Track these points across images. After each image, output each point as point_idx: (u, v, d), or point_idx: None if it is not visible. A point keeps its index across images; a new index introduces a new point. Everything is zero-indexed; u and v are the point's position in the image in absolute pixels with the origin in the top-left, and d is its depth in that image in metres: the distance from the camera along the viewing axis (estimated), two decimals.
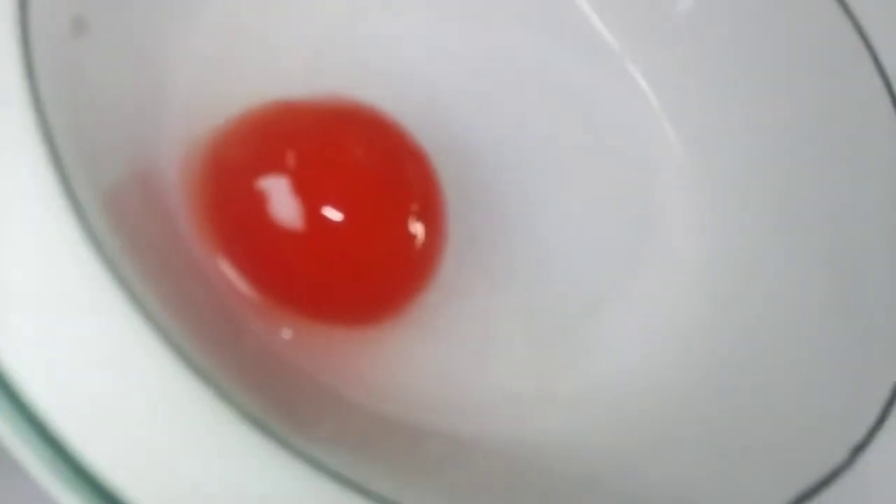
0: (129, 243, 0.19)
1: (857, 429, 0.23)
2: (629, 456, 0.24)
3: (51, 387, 0.16)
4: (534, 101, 0.30)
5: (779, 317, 0.27)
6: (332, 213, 0.23)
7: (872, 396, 0.24)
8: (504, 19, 0.31)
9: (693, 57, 0.30)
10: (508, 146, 0.29)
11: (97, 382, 0.16)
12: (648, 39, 0.31)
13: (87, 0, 0.21)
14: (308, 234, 0.22)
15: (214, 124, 0.24)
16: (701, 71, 0.30)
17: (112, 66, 0.22)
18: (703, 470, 0.24)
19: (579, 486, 0.23)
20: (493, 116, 0.29)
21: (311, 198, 0.22)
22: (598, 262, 0.28)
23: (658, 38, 0.31)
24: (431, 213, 0.24)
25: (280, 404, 0.20)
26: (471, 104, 0.29)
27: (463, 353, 0.25)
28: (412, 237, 0.23)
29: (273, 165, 0.23)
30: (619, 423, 0.25)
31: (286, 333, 0.23)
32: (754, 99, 0.29)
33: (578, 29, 0.31)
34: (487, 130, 0.29)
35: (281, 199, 0.22)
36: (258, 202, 0.22)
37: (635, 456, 0.24)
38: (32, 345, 0.16)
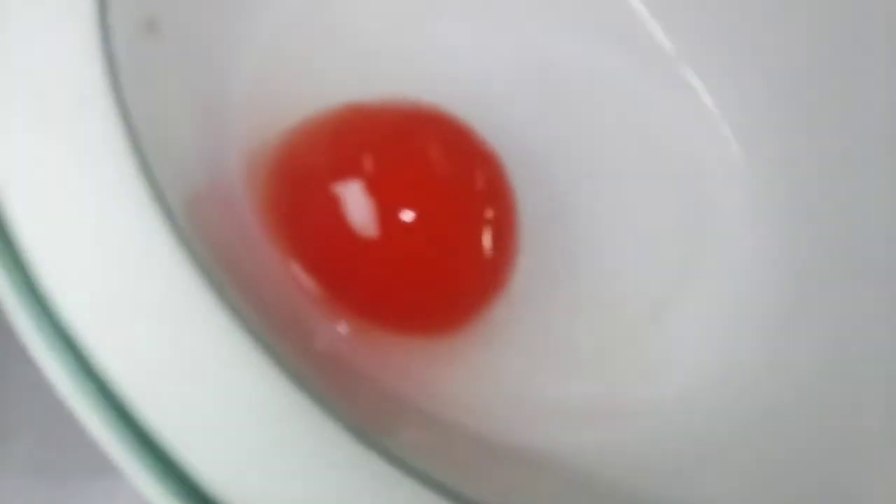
0: (209, 252, 0.18)
1: None
2: (698, 469, 0.24)
3: (146, 387, 0.16)
4: (589, 105, 0.29)
5: (848, 324, 0.26)
6: (407, 219, 0.22)
7: None
8: (557, 22, 0.30)
9: (750, 59, 0.30)
10: (565, 151, 0.28)
11: (193, 381, 0.16)
12: (703, 42, 0.30)
13: (159, 1, 0.21)
14: (381, 241, 0.22)
15: (278, 128, 0.23)
16: (758, 73, 0.30)
17: (179, 70, 0.22)
18: (779, 491, 0.23)
19: (648, 499, 0.23)
20: (548, 121, 0.28)
21: (384, 203, 0.22)
22: (661, 268, 0.28)
23: (713, 41, 0.30)
24: (505, 220, 0.23)
25: (357, 410, 0.20)
26: (525, 109, 0.28)
27: (532, 364, 0.24)
28: (486, 246, 0.23)
29: (346, 169, 0.22)
30: (688, 435, 0.25)
31: (352, 335, 0.22)
32: (813, 100, 0.29)
33: (633, 32, 0.30)
34: (542, 135, 0.28)
35: (354, 203, 0.22)
36: (331, 206, 0.22)
37: (706, 468, 0.24)
38: (130, 346, 0.16)
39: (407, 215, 0.22)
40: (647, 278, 0.27)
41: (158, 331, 0.16)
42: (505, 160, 0.25)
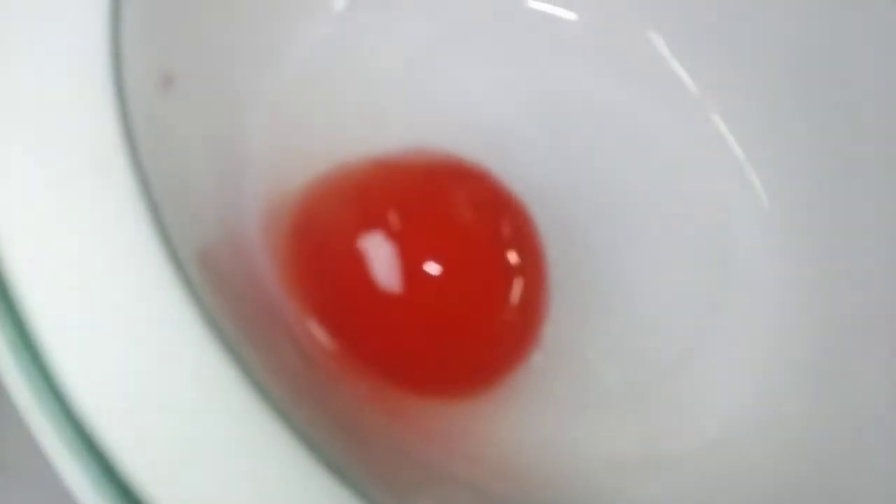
0: (224, 307, 0.18)
1: None
2: None
3: (148, 451, 0.15)
4: (614, 149, 0.29)
5: (876, 370, 0.25)
6: (431, 276, 0.21)
7: None
8: (580, 63, 0.29)
9: (778, 104, 0.29)
10: (589, 196, 0.28)
11: (197, 446, 0.16)
12: (731, 85, 0.29)
13: (175, 55, 0.20)
14: (406, 299, 0.21)
15: (298, 180, 0.23)
16: (786, 118, 0.29)
17: (196, 125, 0.21)
18: None
19: None
20: (571, 165, 0.28)
21: (409, 260, 0.21)
22: (688, 313, 0.27)
23: (741, 85, 0.29)
24: (534, 271, 0.23)
25: (377, 475, 0.19)
26: (547, 154, 0.28)
27: (564, 420, 0.23)
28: (515, 300, 0.22)
29: (370, 224, 0.21)
30: (725, 484, 0.24)
31: (372, 395, 0.22)
32: (843, 148, 0.28)
33: (658, 74, 0.30)
34: (565, 180, 0.27)
35: (377, 260, 0.21)
36: (353, 263, 0.21)
37: None
38: (131, 405, 0.16)
39: (432, 273, 0.21)
40: (675, 324, 0.27)
41: (162, 387, 0.16)
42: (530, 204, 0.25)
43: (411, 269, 0.21)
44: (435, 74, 0.27)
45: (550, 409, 0.23)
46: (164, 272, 0.16)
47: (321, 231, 0.22)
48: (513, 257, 0.23)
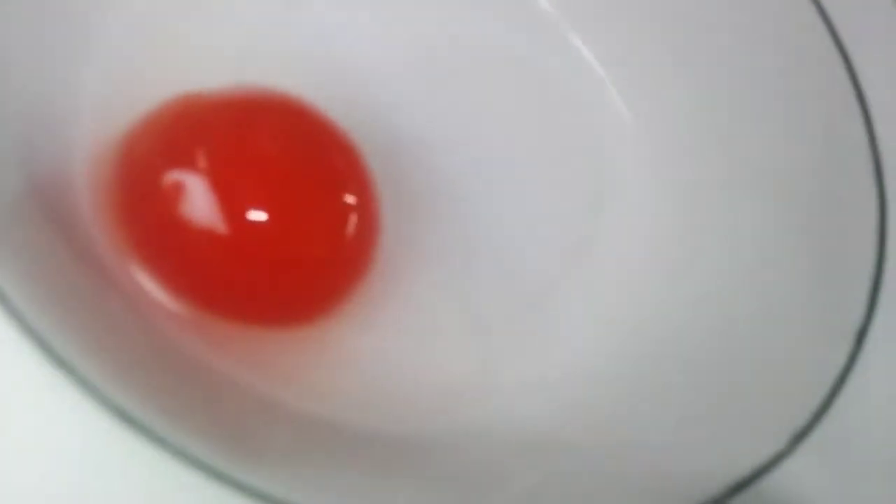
0: (29, 260, 0.18)
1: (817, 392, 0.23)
2: (580, 443, 0.23)
3: None
4: (472, 78, 0.29)
5: (732, 292, 0.26)
6: (253, 210, 0.21)
7: (833, 359, 0.23)
8: None
9: (638, 24, 0.29)
10: (449, 127, 0.28)
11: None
12: (589, 7, 0.29)
13: None
14: (229, 235, 0.21)
15: (127, 124, 0.23)
16: (647, 38, 0.29)
17: (9, 55, 0.21)
18: (663, 454, 0.23)
19: (530, 477, 0.22)
20: (430, 97, 0.28)
21: (228, 194, 0.21)
22: (548, 244, 0.27)
23: (600, 6, 0.29)
24: (361, 202, 0.23)
25: (210, 417, 0.19)
26: (406, 86, 0.27)
27: (403, 347, 0.24)
28: (342, 230, 0.22)
29: (184, 163, 0.21)
30: (569, 410, 0.24)
31: (209, 335, 0.21)
32: (705, 66, 0.28)
33: (516, 1, 0.29)
34: (424, 112, 0.27)
35: (196, 198, 0.21)
36: (172, 204, 0.21)
37: (587, 442, 0.23)
38: None
39: (252, 206, 0.21)
40: (532, 255, 0.27)
41: None
42: (385, 140, 0.25)
43: (231, 206, 0.21)
44: (289, 15, 0.27)
45: (385, 337, 0.23)
46: None
47: (139, 174, 0.22)
48: (338, 192, 0.23)
